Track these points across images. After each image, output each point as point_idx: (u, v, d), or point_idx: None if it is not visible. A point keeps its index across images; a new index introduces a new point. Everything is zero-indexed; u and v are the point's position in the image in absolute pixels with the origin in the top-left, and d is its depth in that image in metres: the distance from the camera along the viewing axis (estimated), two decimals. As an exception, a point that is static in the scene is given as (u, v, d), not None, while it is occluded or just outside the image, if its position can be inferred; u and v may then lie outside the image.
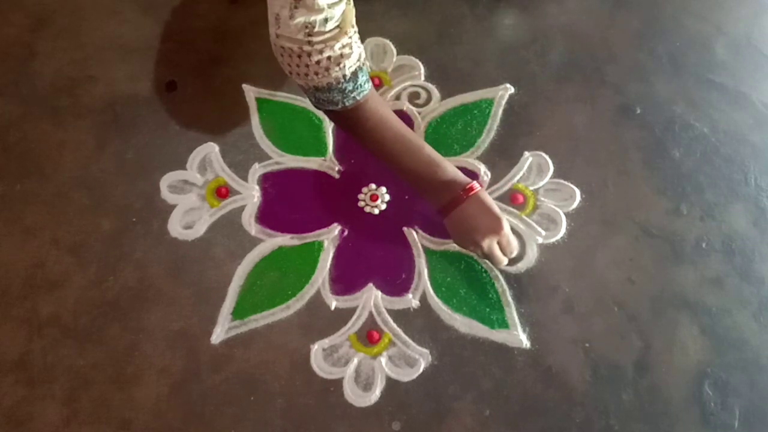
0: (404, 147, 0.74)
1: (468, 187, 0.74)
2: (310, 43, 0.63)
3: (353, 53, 0.66)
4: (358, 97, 0.70)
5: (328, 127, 0.91)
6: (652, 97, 0.95)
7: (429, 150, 0.75)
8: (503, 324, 0.77)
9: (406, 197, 0.86)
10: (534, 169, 0.88)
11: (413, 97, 0.94)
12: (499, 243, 0.74)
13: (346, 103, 0.70)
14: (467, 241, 0.75)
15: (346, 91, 0.68)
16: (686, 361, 0.75)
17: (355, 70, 0.68)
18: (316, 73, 0.66)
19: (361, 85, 0.69)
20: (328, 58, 0.64)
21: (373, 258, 0.82)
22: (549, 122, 0.92)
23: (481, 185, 0.76)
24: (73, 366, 0.74)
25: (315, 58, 0.64)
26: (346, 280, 0.80)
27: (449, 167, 0.75)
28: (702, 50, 1.00)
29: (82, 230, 0.82)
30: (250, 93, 0.94)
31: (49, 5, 1.02)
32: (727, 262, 0.82)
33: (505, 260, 0.76)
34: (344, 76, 0.67)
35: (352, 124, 0.74)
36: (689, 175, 0.88)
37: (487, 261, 0.80)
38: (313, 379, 0.73)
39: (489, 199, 0.74)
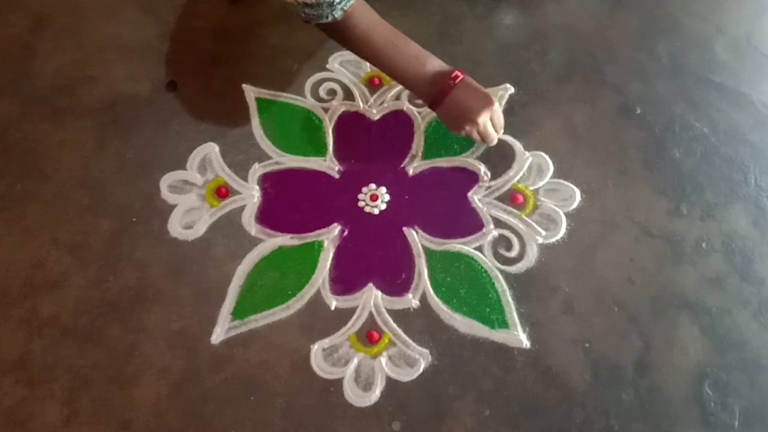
0: (394, 48, 0.77)
1: (454, 75, 0.77)
2: None
3: None
4: (345, 7, 0.72)
5: (328, 127, 0.91)
6: (652, 97, 0.95)
7: (414, 45, 0.78)
8: (503, 324, 0.77)
9: (406, 197, 0.86)
10: (534, 169, 0.88)
11: (413, 97, 0.94)
12: (491, 119, 0.79)
13: (336, 15, 0.72)
14: (464, 122, 0.78)
15: (334, 3, 0.70)
16: (686, 361, 0.75)
17: None
18: None
19: None
20: None
21: (373, 258, 0.82)
22: (549, 122, 0.92)
23: (462, 72, 0.78)
24: (73, 366, 0.74)
25: None
26: (346, 280, 0.80)
27: (435, 60, 0.78)
28: (702, 50, 1.00)
29: (82, 230, 0.82)
30: (250, 93, 0.94)
31: (49, 5, 1.02)
32: (727, 262, 0.82)
33: (496, 137, 0.82)
34: None
35: (343, 35, 0.77)
36: (689, 175, 0.88)
37: (486, 260, 0.80)
38: (313, 379, 0.73)
39: (473, 82, 0.78)
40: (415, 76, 0.78)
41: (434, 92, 0.78)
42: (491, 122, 0.80)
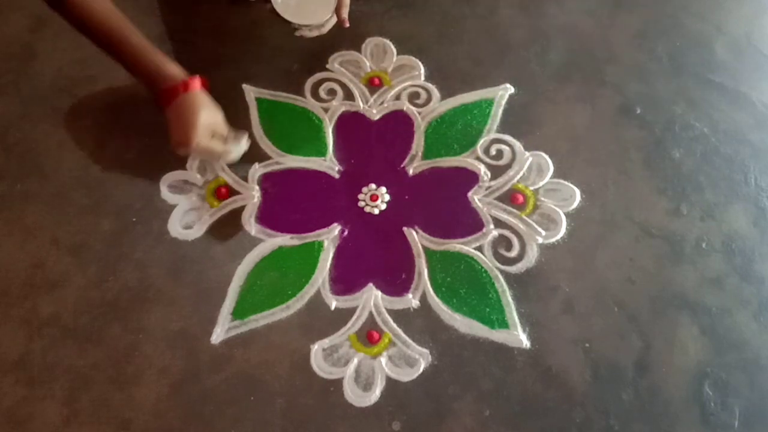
0: (110, 40, 0.74)
1: (176, 86, 0.72)
2: None
3: None
4: None
5: (328, 127, 0.91)
6: (652, 97, 0.95)
7: (135, 41, 0.74)
8: (503, 324, 0.77)
9: (406, 197, 0.86)
10: (534, 169, 0.88)
11: (413, 97, 0.94)
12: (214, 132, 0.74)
13: None
14: (187, 132, 0.73)
15: None
16: (686, 361, 0.75)
17: None
18: None
19: None
20: None
21: (373, 258, 0.82)
22: (549, 122, 0.92)
23: (205, 85, 0.75)
24: (73, 366, 0.74)
25: None
26: (346, 280, 0.80)
27: (156, 60, 0.74)
28: (702, 50, 1.00)
29: (82, 230, 0.82)
30: (250, 93, 0.94)
31: (49, 5, 1.02)
32: (727, 262, 0.82)
33: (215, 160, 0.76)
34: None
35: (67, 16, 0.75)
36: (689, 175, 0.88)
37: (486, 260, 0.80)
38: (313, 379, 0.73)
39: (195, 108, 0.72)
40: (140, 66, 0.74)
41: (158, 89, 0.73)
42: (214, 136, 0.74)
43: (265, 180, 0.87)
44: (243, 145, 0.79)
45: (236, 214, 0.84)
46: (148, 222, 0.83)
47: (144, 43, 0.74)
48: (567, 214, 0.84)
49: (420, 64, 0.97)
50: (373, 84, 0.95)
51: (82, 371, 0.73)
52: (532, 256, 0.81)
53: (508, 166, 0.88)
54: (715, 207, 0.86)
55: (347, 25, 0.88)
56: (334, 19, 0.89)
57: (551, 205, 0.85)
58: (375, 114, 0.93)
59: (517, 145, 0.90)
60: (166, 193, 0.85)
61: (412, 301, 0.78)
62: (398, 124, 0.92)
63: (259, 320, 0.77)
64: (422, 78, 0.96)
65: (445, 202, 0.86)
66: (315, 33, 0.90)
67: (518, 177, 0.87)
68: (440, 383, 0.73)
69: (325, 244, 0.82)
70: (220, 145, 0.76)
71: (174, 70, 0.74)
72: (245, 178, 0.87)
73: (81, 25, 0.75)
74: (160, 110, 0.76)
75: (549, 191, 0.86)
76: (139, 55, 0.74)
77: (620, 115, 0.93)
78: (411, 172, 0.88)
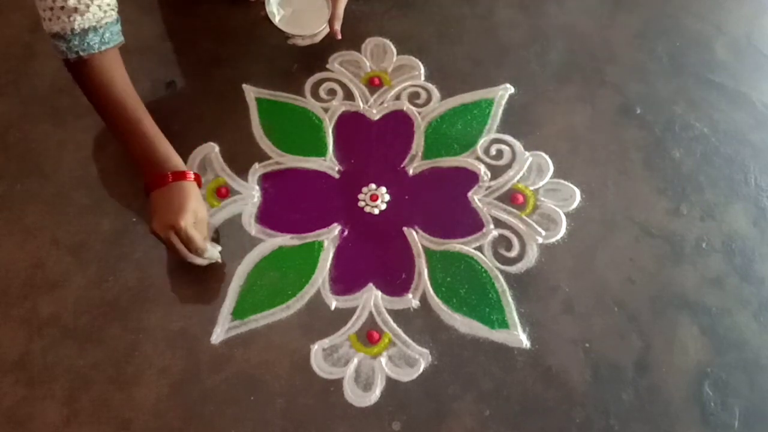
0: (123, 115, 0.76)
1: (176, 173, 0.76)
2: None
3: (89, 12, 0.70)
4: (82, 54, 0.72)
5: (328, 127, 0.91)
6: (652, 97, 0.95)
7: (148, 125, 0.77)
8: (503, 324, 0.77)
9: (406, 197, 0.86)
10: (534, 169, 0.88)
11: (413, 97, 0.94)
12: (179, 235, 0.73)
13: (69, 56, 0.73)
14: (153, 225, 0.75)
15: (71, 43, 0.72)
16: (686, 361, 0.75)
17: (87, 28, 0.71)
18: (49, 19, 0.70)
19: (89, 44, 0.72)
20: (61, 7, 0.69)
21: (373, 258, 0.82)
22: (549, 122, 0.92)
23: (198, 182, 0.79)
24: (73, 366, 0.74)
25: (48, 3, 0.69)
26: (346, 280, 0.80)
27: (163, 148, 0.77)
28: (702, 50, 1.00)
29: (82, 230, 0.82)
30: (250, 93, 0.94)
31: (49, 5, 1.02)
32: (727, 262, 0.82)
33: (188, 255, 0.75)
34: (72, 29, 0.70)
35: (77, 78, 0.76)
36: (689, 175, 0.88)
37: (486, 260, 0.80)
38: (313, 379, 0.73)
39: (189, 194, 0.75)
40: (137, 151, 0.76)
41: (147, 177, 0.76)
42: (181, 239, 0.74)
43: (265, 180, 0.87)
44: (216, 252, 0.78)
45: (236, 214, 0.84)
46: (148, 222, 0.83)
47: (157, 129, 0.78)
48: (567, 214, 0.84)
49: (420, 64, 0.97)
50: (373, 84, 0.95)
51: (82, 371, 0.73)
52: (532, 256, 0.81)
53: (508, 166, 0.88)
54: (715, 207, 0.86)
55: (339, 37, 0.90)
56: (327, 30, 0.90)
57: (551, 205, 0.85)
58: (375, 114, 0.93)
59: (517, 145, 0.90)
60: (166, 193, 0.85)
61: (412, 301, 0.78)
62: (398, 124, 0.92)
63: (259, 320, 0.77)
64: (422, 78, 0.96)
65: (445, 202, 0.86)
66: (307, 42, 0.91)
67: (518, 177, 0.87)
68: (440, 383, 0.73)
69: (325, 244, 0.82)
70: (200, 238, 0.75)
71: (178, 160, 0.78)
72: (245, 178, 0.87)
73: (94, 93, 0.76)
74: (148, 192, 0.76)
75: (549, 191, 0.86)
76: (151, 138, 0.77)
77: (620, 115, 0.93)
78: (411, 172, 0.88)
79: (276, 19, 0.87)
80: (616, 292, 0.79)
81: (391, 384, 0.73)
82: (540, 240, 0.82)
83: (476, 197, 0.86)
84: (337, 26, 0.90)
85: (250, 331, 0.76)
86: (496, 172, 0.88)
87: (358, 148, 0.90)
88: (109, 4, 0.73)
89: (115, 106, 0.76)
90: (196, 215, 0.75)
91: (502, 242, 0.82)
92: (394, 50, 0.98)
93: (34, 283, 0.79)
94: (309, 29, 0.88)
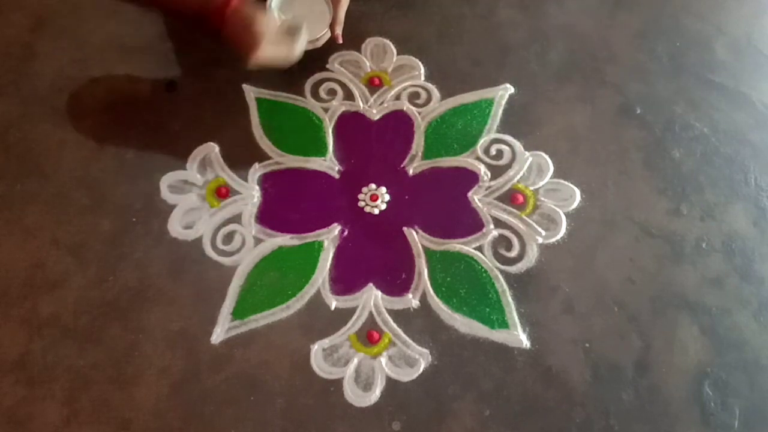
0: None
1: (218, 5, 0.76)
2: None
3: None
4: None
5: (328, 127, 0.91)
6: (652, 97, 0.95)
7: None
8: (503, 324, 0.77)
9: (406, 197, 0.86)
10: (534, 169, 0.88)
11: (413, 97, 0.94)
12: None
13: None
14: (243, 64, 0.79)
15: None
16: (686, 361, 0.75)
17: None
18: None
19: None
20: None
21: (373, 258, 0.82)
22: (549, 122, 0.92)
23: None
24: (73, 366, 0.74)
25: None
26: (346, 280, 0.80)
27: None
28: (702, 50, 1.00)
29: (82, 230, 0.82)
30: (250, 93, 0.94)
31: (49, 5, 1.02)
32: (727, 262, 0.82)
33: (283, 63, 0.82)
34: None
35: None
36: (689, 175, 0.88)
37: (486, 260, 0.80)
38: (313, 379, 0.73)
39: (247, 23, 0.77)
40: None
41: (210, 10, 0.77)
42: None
43: (265, 180, 0.87)
44: (302, 41, 0.83)
45: (236, 214, 0.84)
46: (148, 222, 0.83)
47: None
48: (567, 214, 0.84)
49: (420, 64, 0.97)
50: (373, 84, 0.95)
51: (82, 371, 0.73)
52: (532, 256, 0.81)
53: (508, 166, 0.88)
54: (715, 207, 0.86)
55: (341, 41, 0.91)
56: (329, 34, 0.91)
57: (551, 205, 0.85)
58: (375, 114, 0.93)
59: (517, 145, 0.90)
60: (166, 193, 0.85)
61: (412, 301, 0.78)
62: (398, 124, 0.92)
63: (259, 320, 0.77)
64: (422, 78, 0.96)
65: (445, 202, 0.86)
66: (309, 47, 0.91)
67: (518, 177, 0.87)
68: (440, 383, 0.73)
69: (325, 244, 0.82)
70: (280, 52, 0.81)
71: None
72: (245, 178, 0.87)
73: None
74: (216, 35, 0.78)
75: (549, 191, 0.86)
76: None
77: (620, 115, 0.93)
78: (411, 172, 0.88)
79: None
80: (616, 292, 0.79)
81: (391, 384, 0.73)
82: (540, 240, 0.82)
83: (476, 197, 0.86)
84: (338, 31, 0.90)
85: (250, 331, 0.76)
86: (496, 172, 0.88)
87: (358, 148, 0.90)
88: None
89: None
90: (265, 35, 0.77)
91: (502, 242, 0.82)
92: (394, 50, 0.98)
93: (34, 283, 0.79)
94: (310, 34, 0.89)
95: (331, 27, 0.90)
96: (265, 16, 0.79)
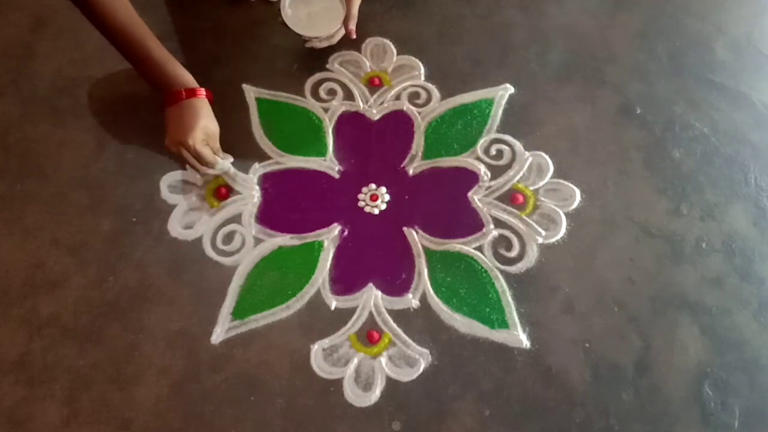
0: (128, 41, 0.78)
1: (188, 90, 0.80)
2: None
3: None
4: None
5: (328, 127, 0.91)
6: (652, 97, 0.95)
7: (153, 47, 0.79)
8: (503, 324, 0.77)
9: (406, 197, 0.86)
10: (534, 169, 0.88)
11: (413, 97, 0.94)
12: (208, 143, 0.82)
13: None
14: (166, 141, 0.81)
15: None
16: (686, 361, 0.75)
17: None
18: None
19: None
20: None
21: (373, 258, 0.82)
22: (549, 122, 0.92)
23: (210, 99, 0.83)
24: (73, 366, 0.74)
25: None
26: (346, 280, 0.80)
27: (170, 67, 0.80)
28: (702, 50, 1.00)
29: (82, 230, 0.82)
30: (250, 93, 0.94)
31: (49, 5, 1.02)
32: (727, 262, 0.82)
33: (200, 168, 0.83)
34: None
35: (81, 8, 0.76)
36: (689, 175, 0.88)
37: (486, 260, 0.80)
38: (313, 379, 0.73)
39: (199, 112, 0.80)
40: (149, 71, 0.80)
41: (163, 93, 0.80)
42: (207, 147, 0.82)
43: (265, 180, 0.87)
44: (227, 164, 0.85)
45: (236, 214, 0.84)
46: (148, 222, 0.83)
47: (162, 49, 0.80)
48: (567, 214, 0.84)
49: (420, 64, 0.97)
50: (373, 84, 0.95)
51: (82, 371, 0.73)
52: (532, 256, 0.81)
53: (508, 166, 0.88)
54: (715, 207, 0.86)
55: (354, 36, 0.92)
56: (343, 31, 0.92)
57: (551, 205, 0.85)
58: (375, 114, 0.93)
59: (517, 145, 0.90)
60: (166, 193, 0.85)
61: (412, 301, 0.78)
62: (398, 124, 0.92)
63: (259, 320, 0.77)
64: (422, 78, 0.96)
65: (445, 202, 0.86)
66: (325, 44, 0.94)
67: (518, 177, 0.87)
68: (440, 383, 0.73)
69: (325, 244, 0.82)
70: (209, 153, 0.82)
71: (187, 77, 0.82)
72: (245, 179, 0.87)
73: (100, 24, 0.78)
74: (163, 108, 0.80)
75: (549, 191, 0.86)
76: (157, 59, 0.79)
77: (620, 115, 0.93)
78: (411, 172, 0.88)
79: (292, 24, 0.89)
80: (616, 292, 0.79)
81: (391, 384, 0.73)
82: (540, 240, 0.82)
83: (476, 197, 0.86)
84: (352, 26, 0.91)
85: (250, 331, 0.76)
86: (496, 172, 0.88)
87: (358, 148, 0.90)
88: None
89: (120, 32, 0.77)
90: (207, 131, 0.81)
91: (502, 242, 0.82)
92: (394, 50, 0.98)
93: (34, 283, 0.79)
94: (325, 30, 0.91)
95: (345, 22, 0.91)
96: (212, 121, 0.82)
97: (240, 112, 0.92)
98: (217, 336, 0.76)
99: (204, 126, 0.80)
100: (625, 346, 0.76)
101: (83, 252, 0.81)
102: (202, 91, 0.81)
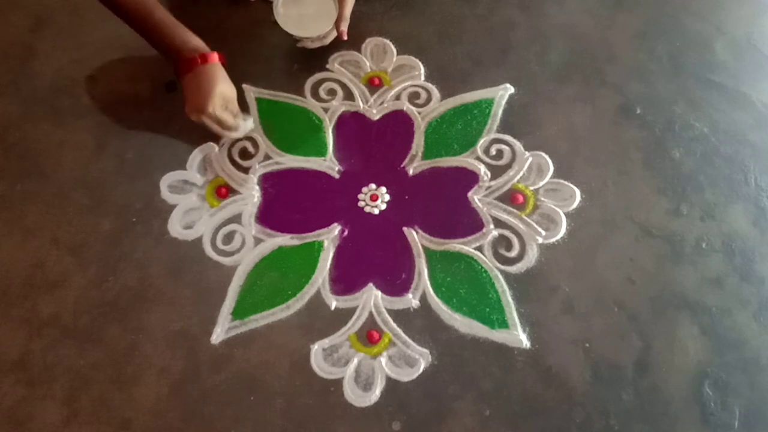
0: (134, 11, 0.78)
1: (203, 55, 0.78)
2: None
3: None
4: None
5: (328, 127, 0.91)
6: (652, 97, 0.95)
7: (161, 15, 0.79)
8: (503, 324, 0.77)
9: (406, 197, 0.86)
10: (534, 169, 0.88)
11: (413, 97, 0.94)
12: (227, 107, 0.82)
13: None
14: (186, 109, 0.81)
15: None
16: (686, 361, 0.75)
17: None
18: None
19: None
20: None
21: (373, 258, 0.82)
22: (549, 122, 0.92)
23: (223, 62, 0.81)
24: (73, 366, 0.74)
25: None
26: (346, 280, 0.80)
27: (180, 33, 0.79)
28: (702, 50, 1.00)
29: (82, 230, 0.82)
30: (250, 93, 0.94)
31: (49, 5, 1.02)
32: (727, 262, 0.82)
33: (223, 133, 0.84)
34: None
35: None
36: (689, 175, 0.88)
37: (486, 260, 0.80)
38: (313, 379, 0.73)
39: (215, 78, 0.79)
40: (158, 41, 0.79)
41: (175, 63, 0.79)
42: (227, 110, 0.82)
43: (265, 180, 0.87)
44: (249, 124, 0.87)
45: (236, 214, 0.84)
46: (148, 222, 0.83)
47: (169, 17, 0.80)
48: (567, 214, 0.84)
49: (420, 64, 0.97)
50: (373, 84, 0.95)
51: (82, 371, 0.73)
52: (532, 256, 0.81)
53: (508, 166, 0.88)
54: (715, 207, 0.86)
55: (345, 38, 0.92)
56: (335, 32, 0.92)
57: (551, 205, 0.85)
58: (375, 114, 0.93)
59: (517, 145, 0.90)
60: (166, 193, 0.85)
61: (412, 301, 0.78)
62: (398, 124, 0.92)
63: (259, 320, 0.77)
64: (422, 78, 0.96)
65: (445, 202, 0.86)
66: (317, 44, 0.94)
67: (518, 177, 0.87)
68: (440, 383, 0.73)
69: (325, 244, 0.82)
70: (230, 117, 0.83)
71: (197, 42, 0.80)
72: (245, 179, 0.87)
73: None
74: (177, 77, 0.80)
75: (549, 191, 0.86)
76: (165, 27, 0.79)
77: (620, 115, 0.93)
78: (411, 172, 0.88)
79: (283, 23, 0.89)
80: (616, 292, 0.79)
81: (391, 384, 0.73)
82: (540, 240, 0.82)
83: (476, 197, 0.86)
84: (344, 27, 0.91)
85: (250, 331, 0.76)
86: (496, 172, 0.88)
87: (358, 148, 0.90)
88: None
89: (126, 3, 0.78)
90: (224, 95, 0.81)
91: (502, 242, 0.82)
92: (394, 50, 0.98)
93: (34, 283, 0.79)
94: (316, 31, 0.90)
95: (336, 23, 0.90)
96: (228, 85, 0.81)
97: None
98: (217, 336, 0.76)
99: (221, 91, 0.80)
100: (625, 346, 0.76)
101: (83, 252, 0.81)
102: (215, 55, 0.80)
